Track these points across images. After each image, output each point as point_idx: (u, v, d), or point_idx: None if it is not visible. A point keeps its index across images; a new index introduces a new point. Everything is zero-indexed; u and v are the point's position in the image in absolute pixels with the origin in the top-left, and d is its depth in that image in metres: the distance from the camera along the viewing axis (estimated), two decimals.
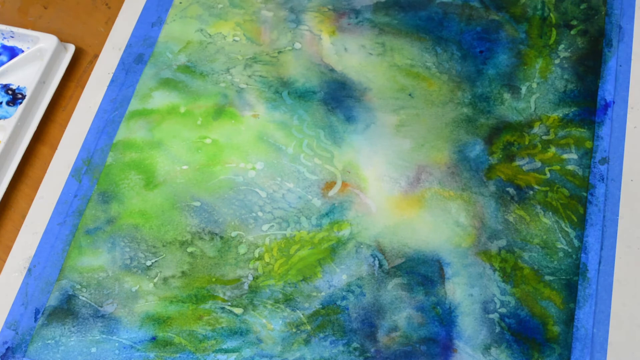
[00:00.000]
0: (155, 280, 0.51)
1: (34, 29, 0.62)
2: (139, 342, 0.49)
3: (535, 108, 0.55)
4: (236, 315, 0.50)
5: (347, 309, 0.49)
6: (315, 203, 0.53)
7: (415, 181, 0.53)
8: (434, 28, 0.60)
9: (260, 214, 0.53)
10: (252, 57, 0.60)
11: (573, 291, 0.49)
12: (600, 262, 0.50)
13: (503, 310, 0.49)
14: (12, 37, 0.62)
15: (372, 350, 0.48)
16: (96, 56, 0.62)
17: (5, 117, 0.59)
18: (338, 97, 0.57)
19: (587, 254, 0.50)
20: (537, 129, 0.54)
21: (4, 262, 0.53)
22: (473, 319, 0.48)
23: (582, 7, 0.59)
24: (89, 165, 0.56)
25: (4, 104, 0.60)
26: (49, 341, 0.50)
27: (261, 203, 0.54)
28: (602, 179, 0.52)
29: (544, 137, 0.54)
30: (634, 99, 0.55)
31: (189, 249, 0.52)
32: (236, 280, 0.51)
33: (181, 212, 0.54)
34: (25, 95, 0.60)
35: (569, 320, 0.48)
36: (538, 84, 0.56)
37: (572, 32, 0.58)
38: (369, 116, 0.56)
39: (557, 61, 0.57)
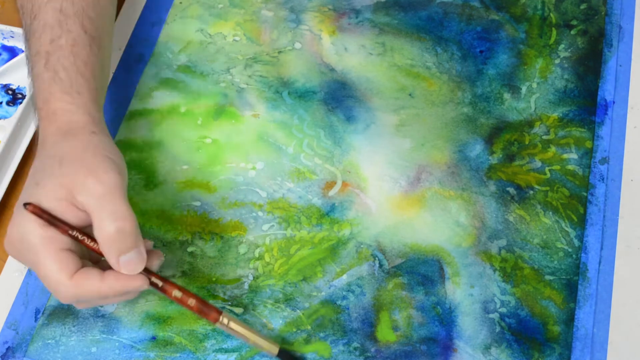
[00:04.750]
0: None
1: None
2: (139, 341, 0.49)
3: (535, 108, 0.55)
4: (236, 314, 0.50)
5: (347, 308, 0.49)
6: (316, 203, 0.53)
7: (416, 181, 0.53)
8: (434, 28, 0.60)
9: (260, 213, 0.53)
10: (253, 57, 0.60)
11: (573, 291, 0.49)
12: (600, 262, 0.50)
13: (503, 310, 0.49)
14: (12, 37, 0.62)
15: (372, 350, 0.48)
16: None
17: (5, 117, 0.59)
18: (338, 97, 0.57)
19: (587, 254, 0.50)
20: (537, 129, 0.54)
21: (4, 262, 0.53)
22: (473, 318, 0.48)
23: (582, 7, 0.59)
24: None
25: (4, 104, 0.60)
26: (50, 341, 0.50)
27: (261, 203, 0.54)
28: (602, 179, 0.52)
29: (544, 137, 0.54)
30: (634, 99, 0.55)
31: (189, 249, 0.52)
32: (236, 280, 0.51)
33: (181, 211, 0.54)
34: (25, 95, 0.60)
35: (569, 320, 0.48)
36: (538, 83, 0.56)
37: (572, 32, 0.58)
38: (369, 116, 0.56)
39: (557, 61, 0.57)
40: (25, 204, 0.40)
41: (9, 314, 0.51)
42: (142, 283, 0.41)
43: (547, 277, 0.49)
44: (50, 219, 0.40)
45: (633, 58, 0.57)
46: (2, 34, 0.62)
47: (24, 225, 0.40)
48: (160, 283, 0.43)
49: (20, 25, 0.62)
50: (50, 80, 0.46)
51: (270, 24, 0.61)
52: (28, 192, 0.42)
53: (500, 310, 0.49)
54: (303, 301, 0.50)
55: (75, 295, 0.40)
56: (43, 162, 0.43)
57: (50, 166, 0.42)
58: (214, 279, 0.51)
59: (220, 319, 0.44)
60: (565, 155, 0.53)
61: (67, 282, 0.40)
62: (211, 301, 0.50)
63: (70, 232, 0.41)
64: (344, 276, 0.51)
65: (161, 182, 0.55)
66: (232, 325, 0.45)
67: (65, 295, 0.40)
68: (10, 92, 0.60)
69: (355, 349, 0.48)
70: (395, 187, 0.53)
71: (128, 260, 0.40)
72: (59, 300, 0.42)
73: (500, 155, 0.54)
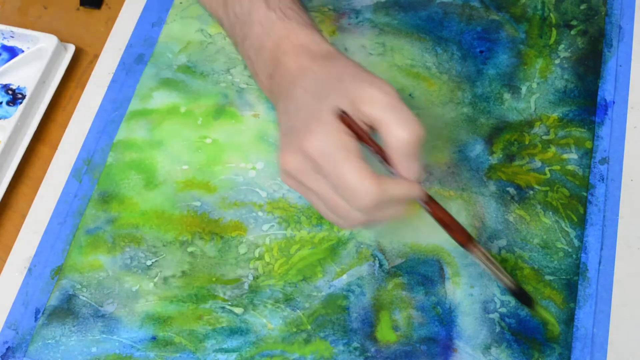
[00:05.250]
0: (155, 279, 0.51)
1: (34, 29, 0.62)
2: (139, 341, 0.49)
3: (535, 108, 0.55)
4: (236, 314, 0.50)
5: (348, 308, 0.49)
6: None
7: None
8: (434, 28, 0.60)
9: (260, 213, 0.53)
10: None
11: (573, 291, 0.49)
12: (600, 262, 0.50)
13: (503, 309, 0.49)
14: (12, 37, 0.62)
15: (372, 350, 0.48)
16: (96, 56, 0.62)
17: (5, 117, 0.59)
18: None
19: (587, 254, 0.50)
20: (537, 129, 0.54)
21: (4, 262, 0.53)
22: (473, 318, 0.48)
23: (582, 7, 0.59)
24: (89, 165, 0.56)
25: (4, 104, 0.60)
26: (50, 341, 0.50)
27: (261, 203, 0.54)
28: (602, 179, 0.52)
29: (544, 137, 0.54)
30: (634, 99, 0.55)
31: (189, 249, 0.52)
32: (236, 280, 0.51)
33: (181, 211, 0.54)
34: (25, 95, 0.60)
35: (569, 320, 0.48)
36: (538, 83, 0.56)
37: (572, 32, 0.58)
38: None
39: (557, 61, 0.57)
40: (340, 114, 0.40)
41: (9, 314, 0.51)
42: (420, 192, 0.42)
43: (547, 277, 0.49)
44: (360, 130, 0.40)
45: (633, 58, 0.57)
46: (2, 34, 0.62)
47: (332, 135, 0.40)
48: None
49: (19, 25, 0.62)
50: (281, 19, 0.45)
51: None
52: (310, 110, 0.41)
53: (500, 310, 0.49)
54: (303, 301, 0.50)
55: (378, 199, 0.39)
56: (314, 83, 0.43)
57: (328, 83, 0.42)
58: (214, 279, 0.51)
59: (471, 247, 0.44)
60: (565, 156, 0.53)
61: (374, 187, 0.39)
62: (211, 301, 0.50)
63: (369, 141, 0.41)
64: (344, 276, 0.51)
65: (161, 182, 0.55)
66: (479, 255, 0.44)
67: (370, 200, 0.39)
68: (10, 92, 0.60)
69: (355, 348, 0.48)
70: None
71: (416, 167, 0.41)
72: (357, 207, 0.40)
73: (500, 155, 0.54)
